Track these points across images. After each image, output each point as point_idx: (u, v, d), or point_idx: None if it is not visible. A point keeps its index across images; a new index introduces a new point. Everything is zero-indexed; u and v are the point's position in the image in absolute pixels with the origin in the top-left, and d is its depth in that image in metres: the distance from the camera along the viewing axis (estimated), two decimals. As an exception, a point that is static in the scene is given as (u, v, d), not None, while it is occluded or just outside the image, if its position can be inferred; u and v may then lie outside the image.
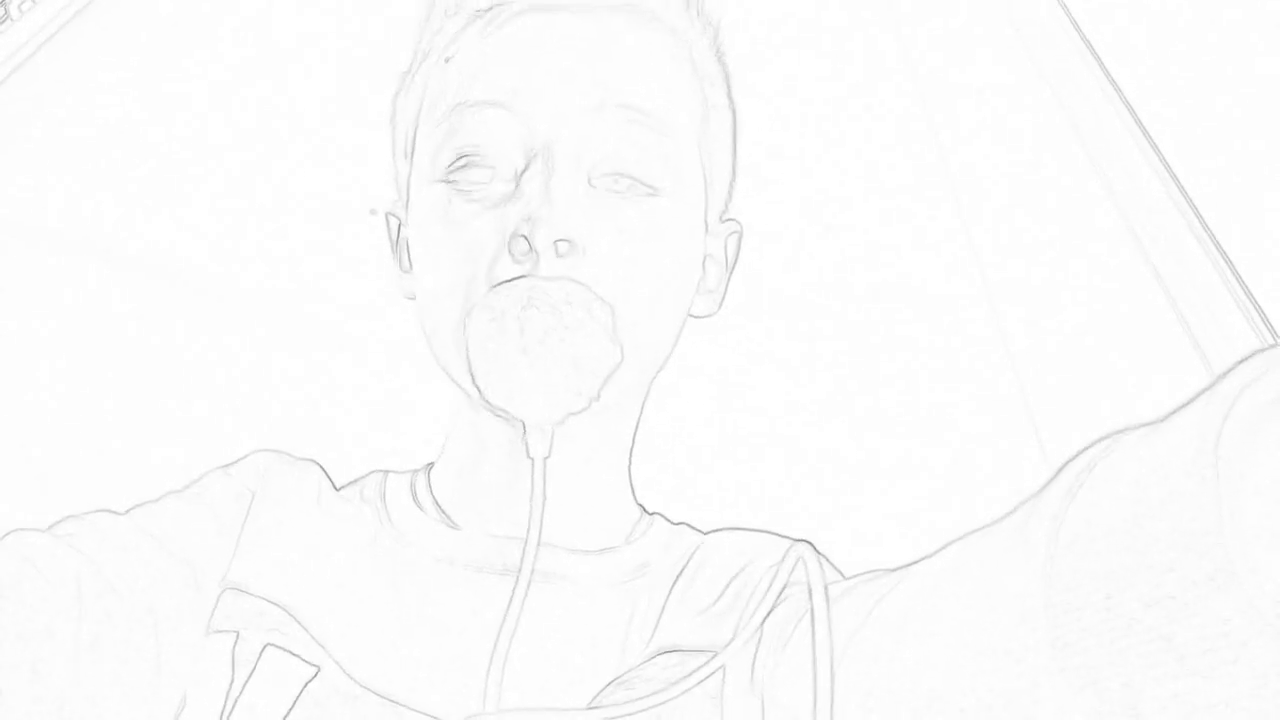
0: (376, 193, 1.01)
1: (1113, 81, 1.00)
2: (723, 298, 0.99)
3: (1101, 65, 1.00)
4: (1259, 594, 0.71)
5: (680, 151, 0.94)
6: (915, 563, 0.87)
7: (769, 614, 0.90)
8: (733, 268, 0.99)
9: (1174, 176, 0.99)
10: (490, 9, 0.95)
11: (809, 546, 0.90)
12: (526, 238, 0.89)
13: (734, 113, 0.99)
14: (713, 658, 0.88)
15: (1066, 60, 1.02)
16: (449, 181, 0.93)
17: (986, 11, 1.05)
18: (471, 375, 0.90)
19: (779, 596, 0.90)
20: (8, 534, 0.91)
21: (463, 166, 0.92)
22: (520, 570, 0.88)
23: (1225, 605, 0.72)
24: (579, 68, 0.92)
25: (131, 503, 0.95)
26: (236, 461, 0.98)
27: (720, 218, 0.99)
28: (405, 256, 0.98)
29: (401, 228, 0.99)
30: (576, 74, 0.92)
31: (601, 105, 0.91)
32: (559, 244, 0.89)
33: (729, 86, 0.98)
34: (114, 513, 0.94)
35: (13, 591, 0.88)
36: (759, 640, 0.89)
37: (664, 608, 0.92)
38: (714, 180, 0.97)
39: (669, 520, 0.98)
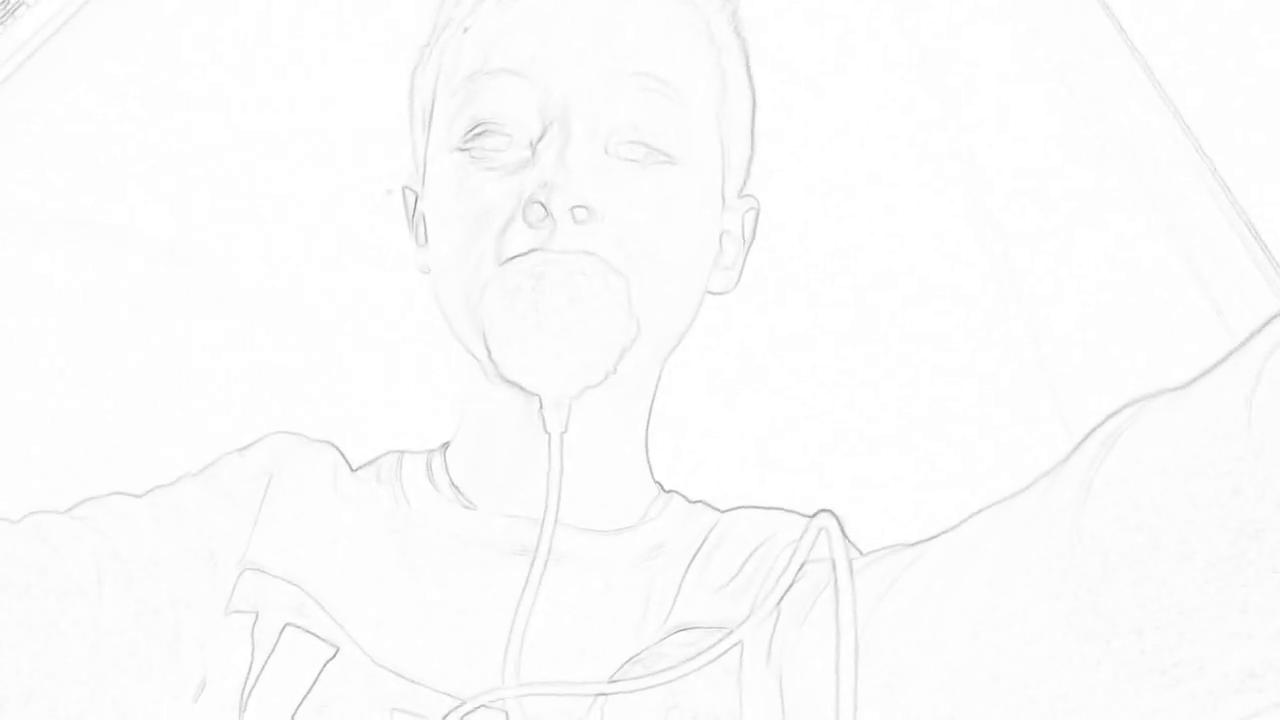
0: (387, 174, 1.02)
1: (1131, 46, 1.01)
2: (740, 274, 0.99)
3: (1121, 31, 1.01)
4: None
5: (697, 121, 0.94)
6: (935, 537, 0.88)
7: (788, 590, 0.90)
8: (750, 244, 0.99)
9: (1194, 140, 0.99)
10: None
11: (831, 517, 0.90)
12: (543, 204, 0.89)
13: (753, 89, 0.99)
14: (729, 634, 0.88)
15: (1081, 27, 1.02)
16: (465, 149, 0.93)
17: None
18: (487, 350, 0.90)
19: (799, 572, 0.90)
20: (27, 516, 0.91)
21: (479, 134, 0.92)
22: (538, 546, 0.88)
23: (1259, 563, 0.73)
24: (596, 36, 0.92)
25: (147, 487, 0.95)
26: (253, 444, 0.98)
27: (738, 193, 0.99)
28: (421, 230, 0.98)
29: (418, 201, 0.99)
30: (594, 42, 0.92)
31: (618, 73, 0.92)
32: (576, 210, 0.89)
33: (748, 62, 0.98)
34: (131, 495, 0.94)
35: (33, 573, 0.88)
36: (777, 617, 0.90)
37: (681, 586, 0.92)
38: (731, 153, 0.97)
39: (686, 498, 0.98)
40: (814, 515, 0.90)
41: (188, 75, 1.06)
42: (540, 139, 0.91)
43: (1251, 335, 0.74)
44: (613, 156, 0.92)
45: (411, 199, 1.00)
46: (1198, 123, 0.99)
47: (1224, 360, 0.76)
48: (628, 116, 0.91)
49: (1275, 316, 0.75)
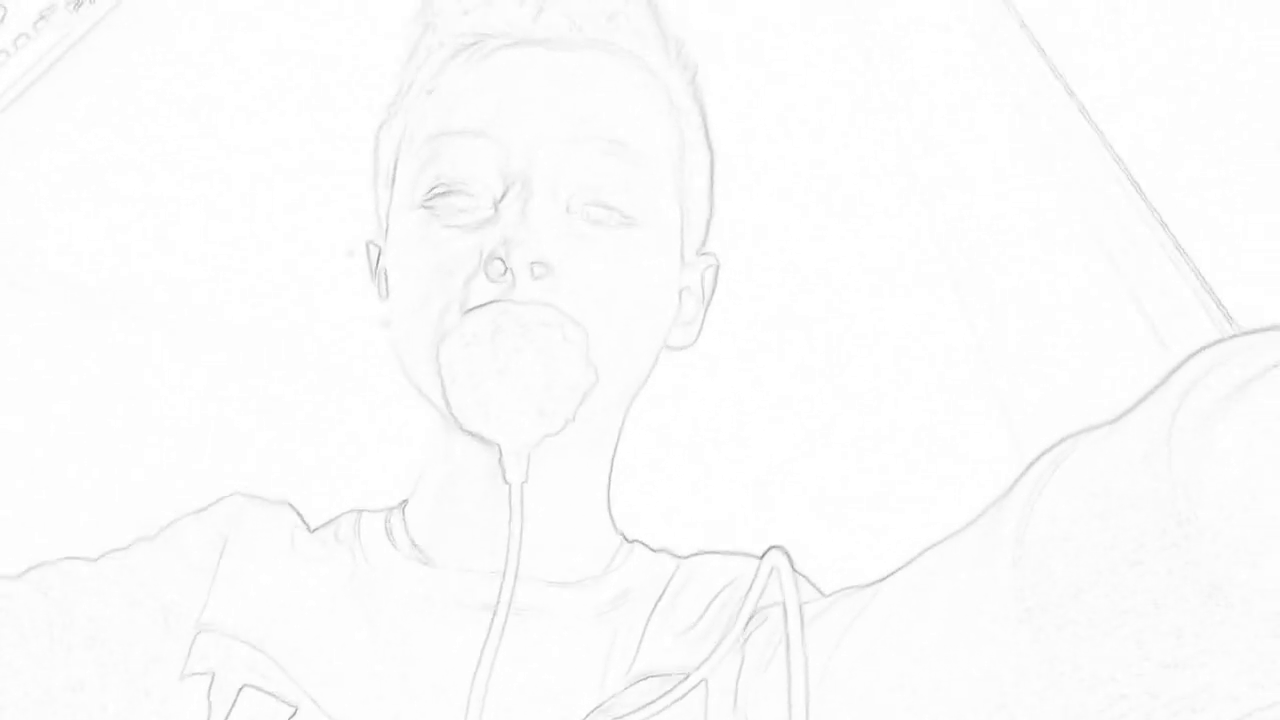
0: (355, 230, 1.03)
1: (1063, 80, 1.01)
2: (700, 330, 1.00)
3: (1053, 67, 1.01)
4: (1225, 580, 0.71)
5: (656, 183, 0.95)
6: (889, 576, 0.88)
7: (748, 633, 0.89)
8: (709, 301, 1.00)
9: (1131, 177, 0.99)
10: (474, 43, 0.97)
11: (783, 557, 0.89)
12: (503, 260, 0.90)
13: (711, 153, 1.00)
14: (687, 678, 0.88)
15: (1024, 68, 1.03)
16: (428, 207, 0.94)
17: (948, 24, 1.06)
18: (446, 400, 0.90)
19: (755, 611, 0.90)
20: None
21: (442, 194, 0.93)
22: (499, 598, 0.88)
23: (1190, 593, 0.72)
24: (558, 98, 0.94)
25: (104, 546, 0.95)
26: (209, 506, 0.98)
27: (698, 251, 1.00)
28: (384, 284, 0.99)
29: (381, 256, 1.00)
30: (556, 104, 0.93)
31: (579, 136, 0.93)
32: (535, 266, 0.90)
33: (706, 127, 1.00)
34: (85, 559, 0.95)
35: None
36: (741, 662, 0.89)
37: (644, 634, 0.92)
38: (690, 214, 0.98)
39: (649, 547, 0.97)
40: (765, 553, 0.90)
41: (170, 115, 1.08)
42: (502, 198, 0.92)
43: (1172, 371, 0.75)
44: (574, 215, 0.92)
45: (375, 253, 1.01)
46: (1136, 160, 1.00)
47: (1149, 394, 0.76)
48: (588, 178, 0.92)
49: (1193, 354, 0.76)
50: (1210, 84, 1.00)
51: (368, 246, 1.01)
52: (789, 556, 0.89)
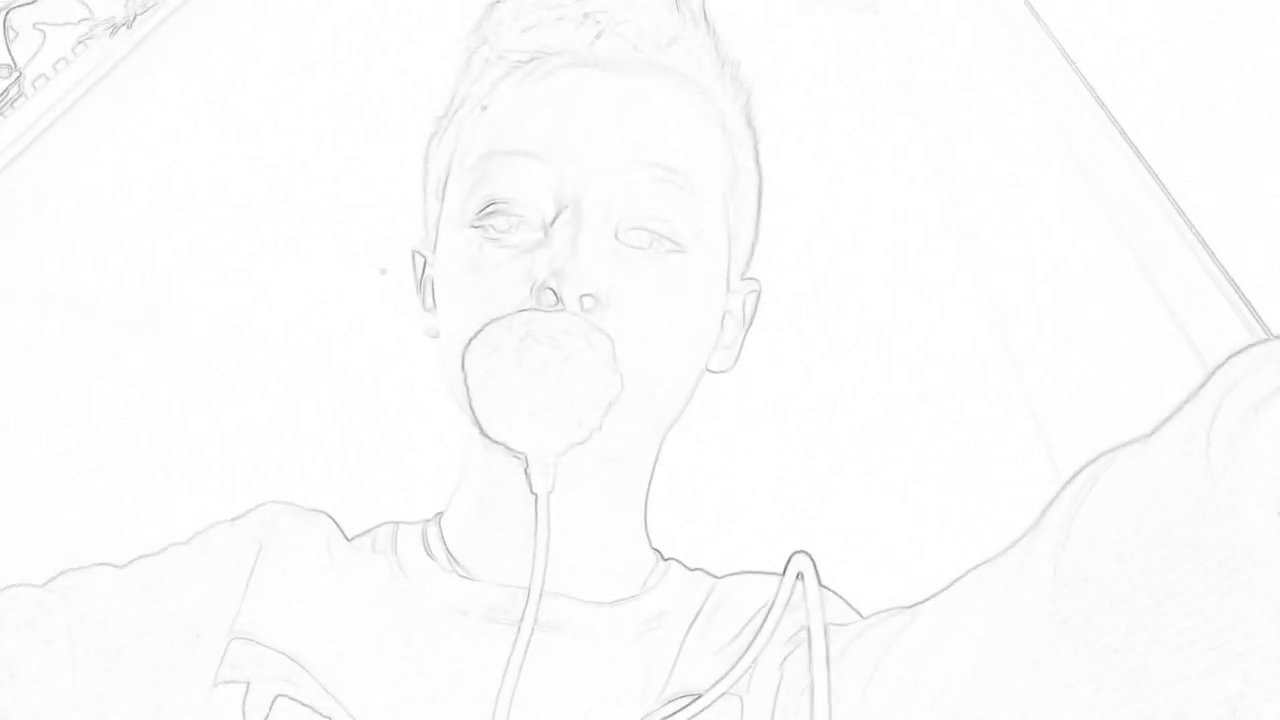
0: (389, 248, 1.03)
1: (1092, 90, 1.02)
2: (739, 354, 0.99)
3: (1079, 73, 1.02)
4: (1267, 586, 0.71)
5: (706, 209, 0.95)
6: (926, 600, 0.88)
7: (787, 652, 0.89)
8: (749, 325, 1.00)
9: (1158, 179, 1.00)
10: (530, 61, 0.96)
11: (808, 560, 0.89)
12: (554, 290, 0.90)
13: (760, 176, 1.00)
14: (716, 684, 0.88)
15: (1050, 73, 1.04)
16: (477, 227, 0.93)
17: (976, 31, 1.07)
18: (471, 410, 0.90)
19: (782, 620, 0.89)
20: (3, 590, 0.92)
21: (492, 214, 0.93)
22: (525, 609, 0.87)
23: (1227, 601, 0.73)
24: (612, 124, 0.93)
25: (140, 553, 0.95)
26: (245, 514, 0.98)
27: (741, 276, 1.00)
28: (429, 295, 0.99)
29: (427, 266, 1.00)
30: (609, 130, 0.93)
31: (632, 162, 0.93)
32: (584, 299, 0.90)
33: (757, 151, 1.00)
34: (114, 566, 0.94)
35: (6, 651, 0.88)
36: (780, 681, 0.89)
37: (679, 653, 0.92)
38: (737, 239, 0.98)
39: (685, 566, 0.97)
40: (790, 558, 0.90)
41: (201, 138, 1.09)
42: (553, 221, 0.92)
43: (1207, 378, 0.75)
44: (622, 243, 0.92)
45: (420, 262, 1.00)
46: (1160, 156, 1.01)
47: (1185, 403, 0.76)
48: (640, 206, 0.92)
49: (1226, 360, 0.76)
50: (1243, 86, 1.01)
51: (414, 256, 1.01)
52: (813, 560, 0.89)
